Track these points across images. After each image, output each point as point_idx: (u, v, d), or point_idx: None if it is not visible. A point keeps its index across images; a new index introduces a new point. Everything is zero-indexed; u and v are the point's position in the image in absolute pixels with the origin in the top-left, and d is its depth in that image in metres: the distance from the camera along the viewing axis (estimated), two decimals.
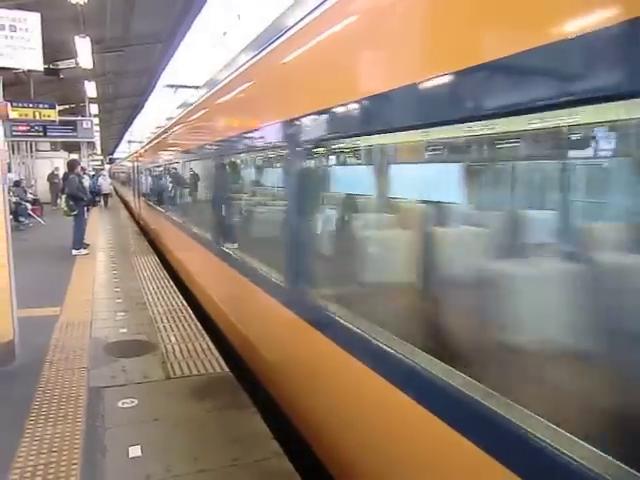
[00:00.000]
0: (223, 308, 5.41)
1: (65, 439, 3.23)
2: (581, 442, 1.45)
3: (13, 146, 22.44)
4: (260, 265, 4.20)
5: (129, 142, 51.92)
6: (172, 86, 20.22)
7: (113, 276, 8.34)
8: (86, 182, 20.21)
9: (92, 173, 25.50)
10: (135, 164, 19.60)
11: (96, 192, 22.68)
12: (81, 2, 11.32)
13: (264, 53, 4.03)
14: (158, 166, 12.17)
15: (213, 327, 5.72)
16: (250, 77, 4.50)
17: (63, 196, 10.39)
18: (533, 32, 1.53)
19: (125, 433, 3.33)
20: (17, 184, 16.52)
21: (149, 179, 14.73)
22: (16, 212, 14.26)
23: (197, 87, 11.33)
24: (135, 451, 3.10)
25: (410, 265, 2.62)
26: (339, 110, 2.65)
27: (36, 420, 3.46)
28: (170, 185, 10.64)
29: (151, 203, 13.72)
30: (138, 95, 30.06)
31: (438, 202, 2.81)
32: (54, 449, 3.11)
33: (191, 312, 6.17)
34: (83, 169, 21.94)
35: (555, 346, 1.85)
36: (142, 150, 17.50)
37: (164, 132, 11.21)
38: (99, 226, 15.78)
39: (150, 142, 14.65)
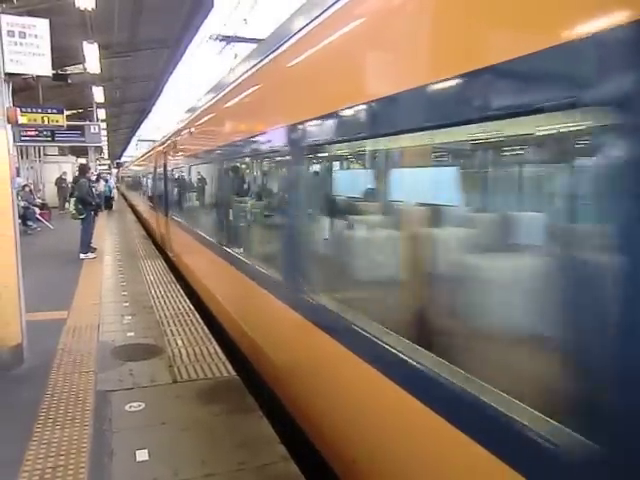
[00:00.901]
0: None
1: (73, 443, 3.24)
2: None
3: (22, 151, 22.64)
4: None
5: (137, 142, 51.42)
6: (222, 38, 13.28)
7: (120, 280, 8.38)
8: (101, 187, 20.93)
9: (107, 178, 26.30)
10: (157, 165, 12.64)
11: (110, 196, 23.71)
12: (89, 8, 11.42)
13: None
14: (223, 162, 5.67)
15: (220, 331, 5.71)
16: None
17: (72, 199, 10.48)
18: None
19: (132, 437, 3.34)
20: (22, 187, 16.65)
21: (197, 191, 8.06)
22: (24, 216, 14.36)
23: (259, 40, 8.31)
24: (142, 455, 3.11)
25: None
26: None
27: (44, 423, 3.48)
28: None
29: (201, 232, 6.94)
30: (145, 99, 30.24)
31: None
32: (62, 453, 3.12)
33: (198, 316, 6.18)
34: (99, 175, 22.84)
35: None
36: (176, 139, 9.79)
37: (227, 99, 5.70)
38: (106, 230, 15.86)
39: (191, 125, 8.17)
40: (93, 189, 11.69)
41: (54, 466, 2.98)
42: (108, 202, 23.88)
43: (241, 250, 5.16)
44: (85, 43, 13.45)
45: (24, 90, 15.59)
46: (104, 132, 28.83)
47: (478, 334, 2.19)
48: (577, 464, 1.47)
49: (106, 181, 25.08)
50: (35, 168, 25.41)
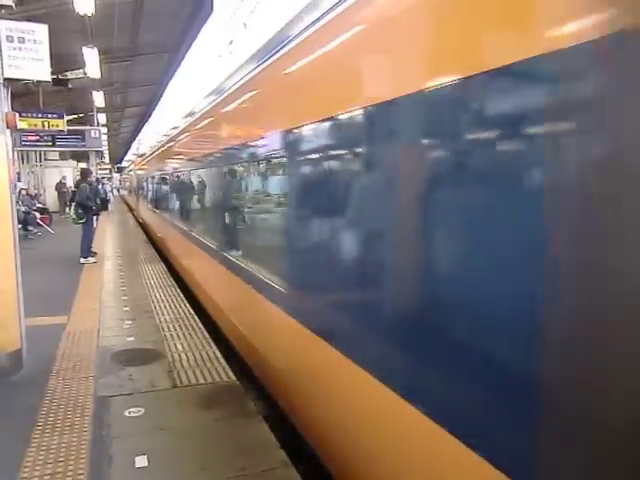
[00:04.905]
0: None
1: (71, 449, 3.22)
2: None
3: (22, 156, 22.68)
4: None
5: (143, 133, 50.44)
6: None
7: (121, 284, 8.36)
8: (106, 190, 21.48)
9: (104, 182, 27.04)
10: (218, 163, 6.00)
11: (107, 200, 24.52)
12: (89, 13, 11.43)
13: None
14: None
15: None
16: None
17: (73, 204, 10.48)
18: None
19: (132, 443, 3.31)
20: (19, 192, 16.66)
21: None
22: (25, 221, 14.36)
23: None
24: (142, 461, 3.08)
25: None
26: None
27: (42, 430, 3.45)
28: None
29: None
30: (146, 104, 30.29)
31: None
32: (60, 459, 3.10)
33: (198, 320, 6.16)
34: (99, 180, 23.40)
35: None
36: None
37: None
38: (107, 234, 15.86)
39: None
40: (100, 189, 11.86)
41: (52, 472, 2.96)
42: (105, 204, 24.50)
43: None
44: (85, 48, 13.46)
45: (25, 95, 15.64)
46: (105, 137, 28.93)
47: None
48: None
49: (102, 184, 25.79)
50: (36, 173, 25.44)
